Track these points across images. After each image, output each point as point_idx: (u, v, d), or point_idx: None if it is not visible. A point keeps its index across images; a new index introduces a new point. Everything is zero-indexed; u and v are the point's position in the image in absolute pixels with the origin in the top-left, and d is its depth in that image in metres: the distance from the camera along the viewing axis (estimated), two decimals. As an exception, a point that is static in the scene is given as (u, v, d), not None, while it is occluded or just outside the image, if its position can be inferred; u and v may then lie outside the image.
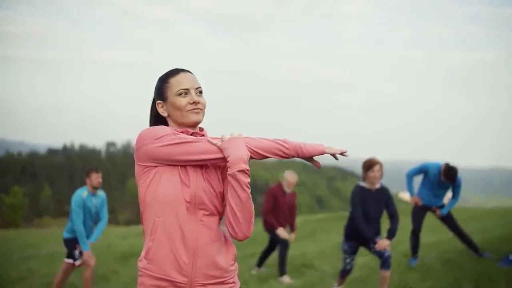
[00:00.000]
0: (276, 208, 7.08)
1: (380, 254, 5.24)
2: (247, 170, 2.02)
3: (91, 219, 6.26)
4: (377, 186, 5.36)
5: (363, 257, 7.46)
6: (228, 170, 2.02)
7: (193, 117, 2.14)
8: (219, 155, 2.06)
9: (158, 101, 2.19)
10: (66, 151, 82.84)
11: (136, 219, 42.97)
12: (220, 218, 2.15)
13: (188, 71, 2.19)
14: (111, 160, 77.82)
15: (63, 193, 65.18)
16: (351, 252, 5.54)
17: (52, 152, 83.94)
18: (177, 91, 2.13)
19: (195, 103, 2.13)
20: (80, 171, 71.09)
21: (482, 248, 7.01)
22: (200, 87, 2.17)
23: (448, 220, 6.98)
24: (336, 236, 12.15)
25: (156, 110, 2.22)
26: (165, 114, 2.18)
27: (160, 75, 2.23)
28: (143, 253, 2.11)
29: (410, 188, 7.03)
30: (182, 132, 2.13)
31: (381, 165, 5.28)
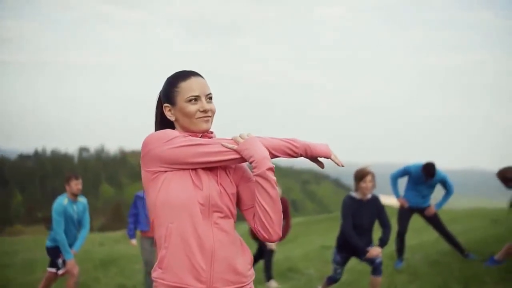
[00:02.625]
0: None
1: (371, 261, 5.19)
2: (273, 168, 1.98)
3: (74, 226, 6.10)
4: (369, 196, 5.29)
5: (350, 261, 7.43)
6: (255, 170, 1.97)
7: (202, 125, 2.07)
8: (235, 156, 2.00)
9: (166, 105, 2.11)
10: (38, 157, 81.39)
11: (110, 225, 42.44)
12: (234, 221, 2.09)
13: (199, 75, 2.11)
14: (84, 165, 76.80)
15: (35, 200, 64.07)
16: (343, 263, 5.47)
17: (23, 157, 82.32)
18: (187, 98, 2.05)
19: (205, 111, 2.06)
20: (52, 177, 69.95)
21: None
22: (210, 93, 2.10)
23: (434, 221, 7.03)
24: (317, 239, 12.16)
25: (162, 113, 2.15)
26: (172, 119, 2.11)
27: (169, 75, 2.14)
28: (156, 263, 2.03)
29: (395, 191, 7.06)
30: (190, 135, 2.06)
31: (373, 175, 5.20)
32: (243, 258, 2.07)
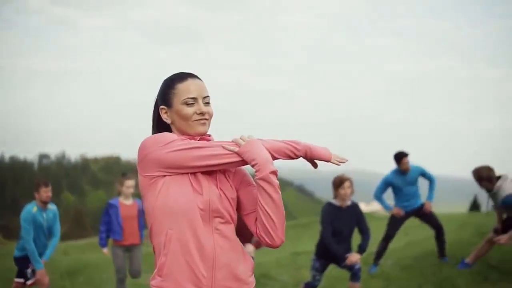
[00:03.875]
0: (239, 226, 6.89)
1: (350, 267, 5.19)
2: (276, 171, 1.94)
3: (44, 235, 5.91)
4: (348, 203, 5.31)
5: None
6: (257, 174, 1.92)
7: (199, 128, 2.00)
8: (236, 159, 1.94)
9: (162, 107, 2.06)
10: (-5, 164, 79.00)
11: (72, 233, 41.49)
12: (235, 226, 2.04)
13: (197, 77, 2.05)
14: (45, 172, 74.92)
15: (-8, 208, 62.15)
16: (322, 270, 5.45)
17: (-21, 165, 79.78)
18: (183, 99, 1.99)
19: (202, 113, 1.99)
20: (11, 184, 68.02)
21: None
22: (208, 96, 2.04)
23: (432, 219, 7.01)
24: (287, 246, 12.14)
25: (159, 115, 2.09)
26: (168, 121, 2.05)
27: (167, 77, 2.09)
28: (155, 270, 1.95)
29: (385, 206, 7.06)
30: (188, 139, 2.00)
31: (351, 181, 5.22)
32: (244, 264, 2.02)
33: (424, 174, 6.99)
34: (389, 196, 7.15)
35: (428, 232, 9.88)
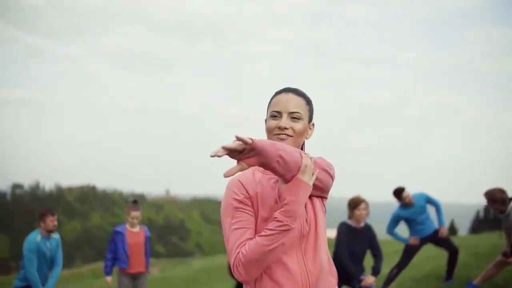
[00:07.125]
0: None
1: None
2: None
3: (46, 264, 5.80)
4: (362, 224, 5.35)
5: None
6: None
7: None
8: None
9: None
10: (-34, 195, 77.01)
11: (48, 264, 40.50)
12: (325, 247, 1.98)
13: (293, 92, 1.97)
14: (18, 202, 73.32)
15: (-37, 240, 60.54)
16: None
17: (-50, 196, 77.68)
18: (270, 113, 1.96)
19: (280, 128, 1.90)
20: (-17, 215, 66.38)
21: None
22: (296, 112, 1.92)
23: (447, 242, 7.03)
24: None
25: None
26: None
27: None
28: None
29: (401, 239, 7.08)
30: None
31: (367, 203, 5.30)
32: (334, 282, 2.01)
33: (429, 200, 7.01)
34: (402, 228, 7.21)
35: (426, 254, 9.93)
